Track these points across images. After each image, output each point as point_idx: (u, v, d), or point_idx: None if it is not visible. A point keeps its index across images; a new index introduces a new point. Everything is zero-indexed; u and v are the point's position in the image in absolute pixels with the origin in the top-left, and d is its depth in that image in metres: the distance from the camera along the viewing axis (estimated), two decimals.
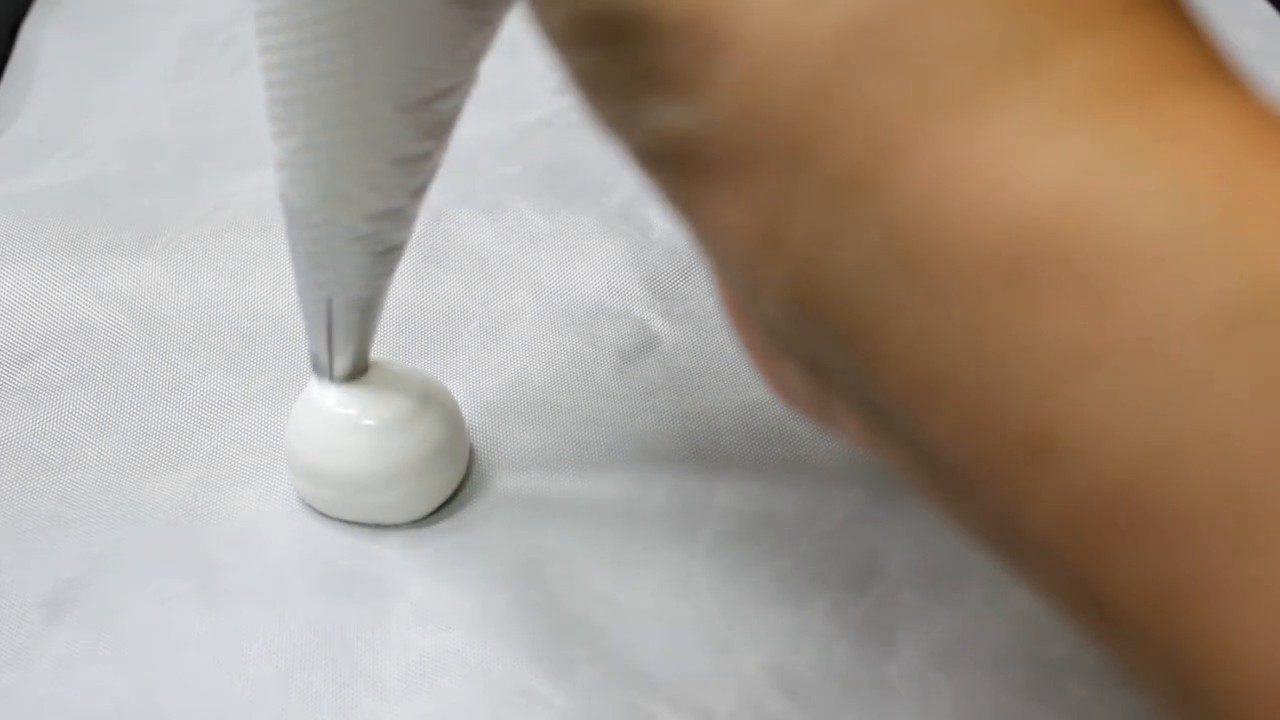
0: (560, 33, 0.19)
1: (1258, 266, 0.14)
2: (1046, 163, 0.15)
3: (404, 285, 0.37)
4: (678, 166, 0.18)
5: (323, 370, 0.30)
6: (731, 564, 0.31)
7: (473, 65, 0.24)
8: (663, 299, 0.37)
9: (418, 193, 0.26)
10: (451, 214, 0.39)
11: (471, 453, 0.33)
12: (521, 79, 0.44)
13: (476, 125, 0.43)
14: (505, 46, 0.47)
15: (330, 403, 0.30)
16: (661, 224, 0.39)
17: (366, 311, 0.28)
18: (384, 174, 0.25)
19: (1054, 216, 0.15)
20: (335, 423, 0.30)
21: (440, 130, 0.25)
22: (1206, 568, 0.15)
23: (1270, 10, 0.49)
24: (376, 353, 0.32)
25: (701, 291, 0.37)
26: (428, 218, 0.39)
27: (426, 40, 0.23)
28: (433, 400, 0.31)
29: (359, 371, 0.30)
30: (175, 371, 0.35)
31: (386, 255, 0.27)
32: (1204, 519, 0.15)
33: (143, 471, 0.32)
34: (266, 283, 0.37)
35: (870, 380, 0.17)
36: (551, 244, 0.38)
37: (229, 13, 0.47)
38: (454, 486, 0.32)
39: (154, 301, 0.36)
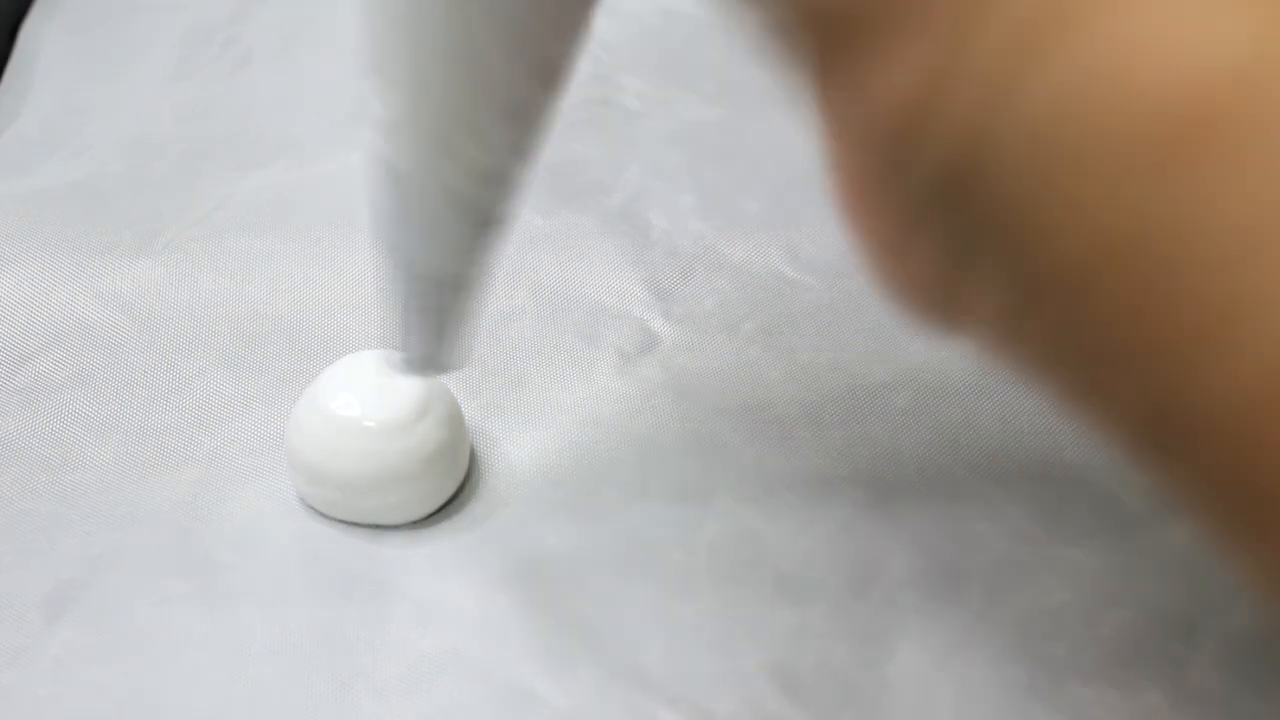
0: None
1: None
2: (1224, 33, 0.15)
3: None
4: (833, 29, 0.17)
5: (416, 363, 0.28)
6: (731, 564, 0.31)
7: (585, 8, 0.23)
8: (663, 299, 0.37)
9: (522, 153, 0.25)
10: None
11: (472, 453, 0.33)
12: None
13: None
14: None
15: (332, 404, 0.30)
16: (661, 224, 0.39)
17: (459, 292, 0.26)
18: (492, 125, 0.24)
19: (1236, 86, 0.15)
20: (336, 423, 0.30)
21: (551, 78, 0.24)
22: None
23: None
24: (376, 354, 0.32)
25: (702, 291, 0.37)
26: None
27: None
28: (433, 401, 0.31)
29: (448, 365, 0.28)
30: (175, 372, 0.35)
31: (486, 228, 0.26)
32: None
33: (142, 472, 0.32)
34: (267, 283, 0.37)
35: (1026, 259, 0.17)
36: (551, 244, 0.38)
37: (229, 13, 0.47)
38: (454, 487, 0.32)
39: (154, 302, 0.36)
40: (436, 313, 0.27)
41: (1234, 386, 0.15)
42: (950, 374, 0.35)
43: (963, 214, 0.17)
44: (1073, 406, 0.19)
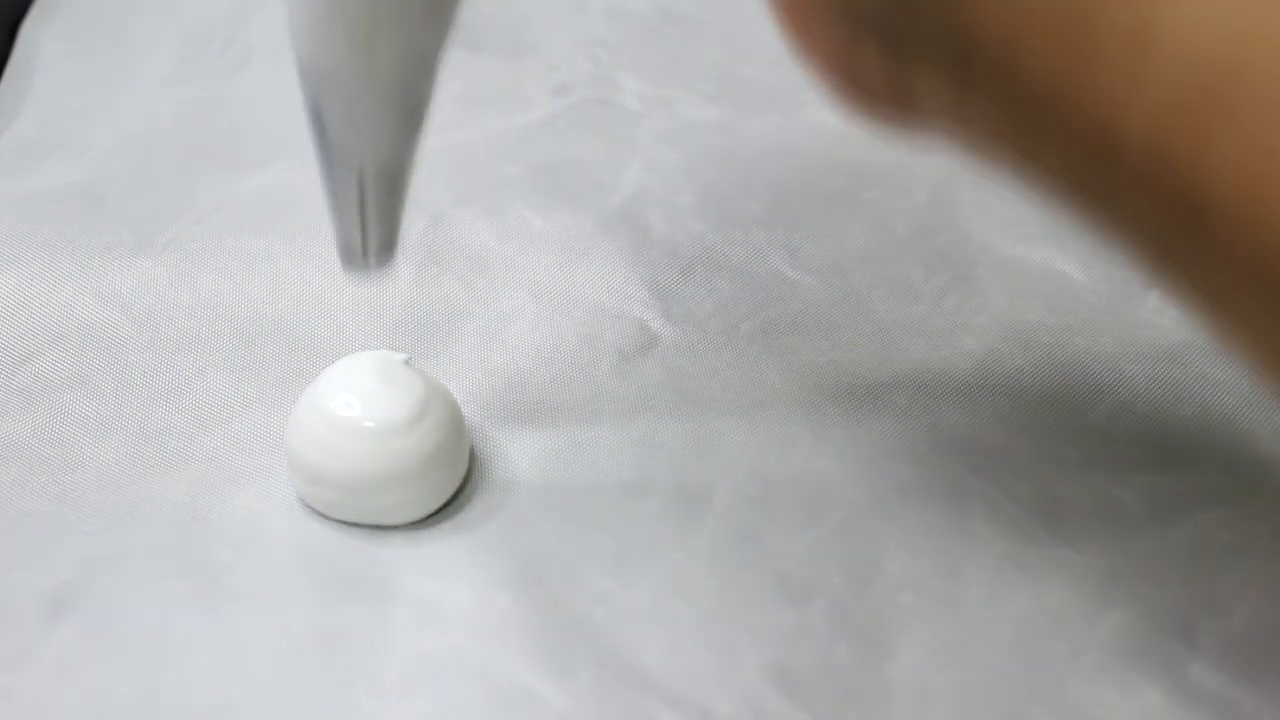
0: None
1: None
2: None
3: (404, 285, 0.37)
4: None
5: (355, 256, 0.28)
6: (731, 564, 0.31)
7: None
8: (662, 299, 0.37)
9: (443, 35, 0.26)
10: (452, 215, 0.39)
11: (472, 454, 0.33)
12: (521, 79, 0.44)
13: (476, 126, 0.43)
14: (506, 47, 0.47)
15: (332, 404, 0.30)
16: (661, 224, 0.39)
17: (397, 180, 0.27)
18: (412, 10, 0.24)
19: None
20: (336, 424, 0.30)
21: None
22: None
23: None
24: (376, 354, 0.32)
25: (702, 292, 0.37)
26: (428, 218, 0.39)
27: None
28: (433, 401, 0.31)
29: (391, 252, 0.29)
30: (175, 372, 0.35)
31: (415, 112, 0.26)
32: None
33: (142, 472, 0.32)
34: (266, 283, 0.37)
35: (968, 24, 0.19)
36: (551, 244, 0.38)
37: (229, 13, 0.47)
38: (454, 487, 0.32)
39: (153, 302, 0.36)
40: (373, 203, 0.27)
41: (1152, 106, 0.17)
42: (950, 374, 0.35)
43: (906, 8, 0.19)
44: (1018, 169, 0.20)
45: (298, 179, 0.41)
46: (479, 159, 0.41)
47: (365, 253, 0.28)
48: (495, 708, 0.28)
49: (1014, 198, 0.40)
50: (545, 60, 0.45)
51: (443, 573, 0.30)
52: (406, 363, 0.32)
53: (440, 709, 0.28)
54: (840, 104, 0.23)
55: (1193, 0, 0.17)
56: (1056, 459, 0.33)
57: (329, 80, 0.25)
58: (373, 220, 0.28)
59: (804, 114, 0.42)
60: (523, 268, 0.37)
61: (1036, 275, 0.37)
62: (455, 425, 0.31)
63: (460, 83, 0.44)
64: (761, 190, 0.40)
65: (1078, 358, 0.35)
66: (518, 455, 0.33)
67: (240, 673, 0.28)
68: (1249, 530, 0.31)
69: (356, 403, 0.30)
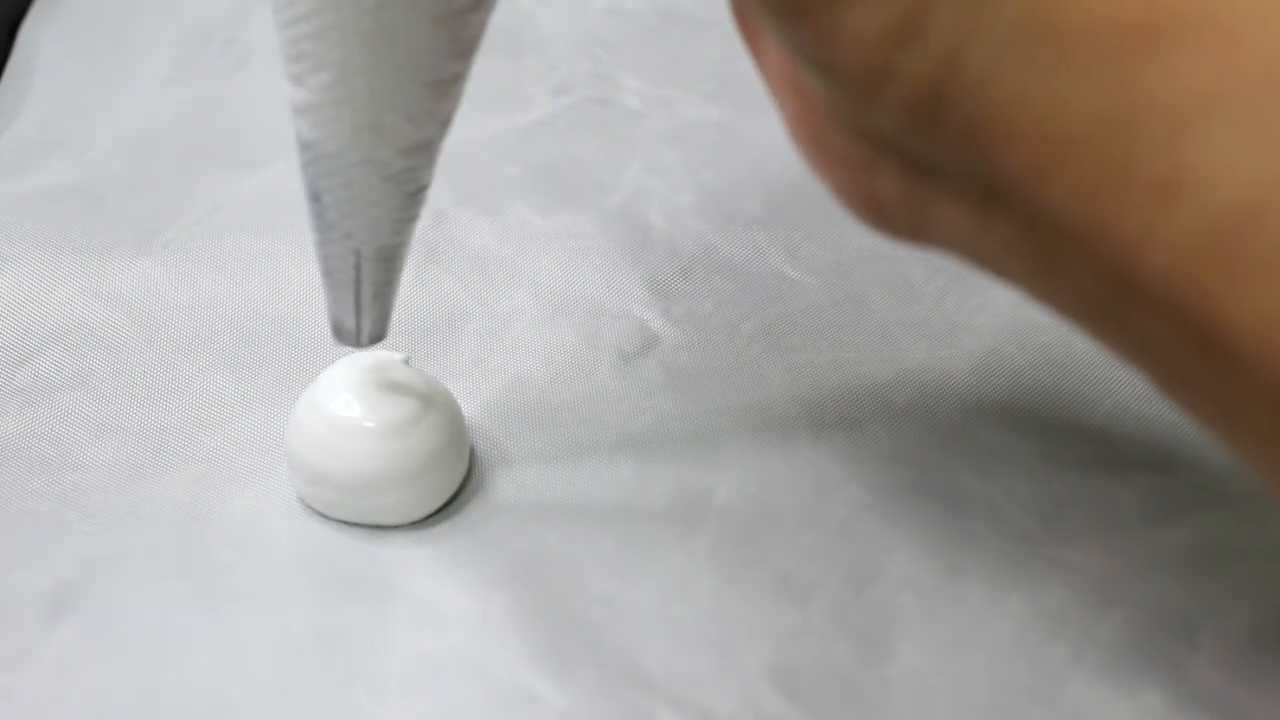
0: None
1: None
2: None
3: (403, 286, 0.37)
4: None
5: (348, 336, 0.29)
6: (731, 564, 0.31)
7: None
8: (663, 299, 0.37)
9: (446, 123, 0.26)
10: (451, 214, 0.39)
11: (472, 454, 0.33)
12: (521, 79, 0.44)
13: (476, 125, 0.43)
14: (505, 47, 0.47)
15: (332, 404, 0.30)
16: (661, 224, 0.39)
17: (394, 262, 0.28)
18: (418, 99, 0.25)
19: None
20: (336, 424, 0.30)
21: (469, 48, 0.25)
22: None
23: None
24: (376, 354, 0.32)
25: (702, 291, 0.37)
26: (428, 218, 0.39)
27: None
28: (433, 402, 0.31)
29: (383, 334, 0.29)
30: (175, 372, 0.35)
31: (416, 196, 0.27)
32: None
33: (142, 472, 0.32)
34: (266, 283, 0.37)
35: (994, 161, 0.19)
36: (551, 244, 0.38)
37: (229, 13, 0.47)
38: (455, 488, 0.32)
39: (153, 302, 0.36)
40: (370, 284, 0.28)
41: (1175, 247, 0.18)
42: (950, 374, 0.35)
43: (931, 132, 0.19)
44: (1034, 293, 0.21)
45: (297, 179, 0.40)
46: (479, 158, 0.41)
47: (358, 331, 0.28)
48: (495, 708, 0.28)
49: None
50: (545, 60, 0.45)
51: (443, 573, 0.30)
52: (406, 363, 0.32)
53: (440, 709, 0.28)
54: (851, 213, 0.23)
55: (1221, 148, 0.17)
56: (1056, 459, 0.33)
57: (331, 163, 0.26)
58: (367, 300, 0.28)
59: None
60: (522, 268, 0.38)
61: None
62: (455, 425, 0.31)
63: None
64: (761, 190, 0.40)
65: (1078, 358, 0.35)
66: (518, 455, 0.33)
67: (240, 673, 0.28)
68: (1249, 530, 0.31)
69: (356, 403, 0.30)
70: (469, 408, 0.33)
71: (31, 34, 0.46)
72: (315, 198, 0.27)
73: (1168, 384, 0.20)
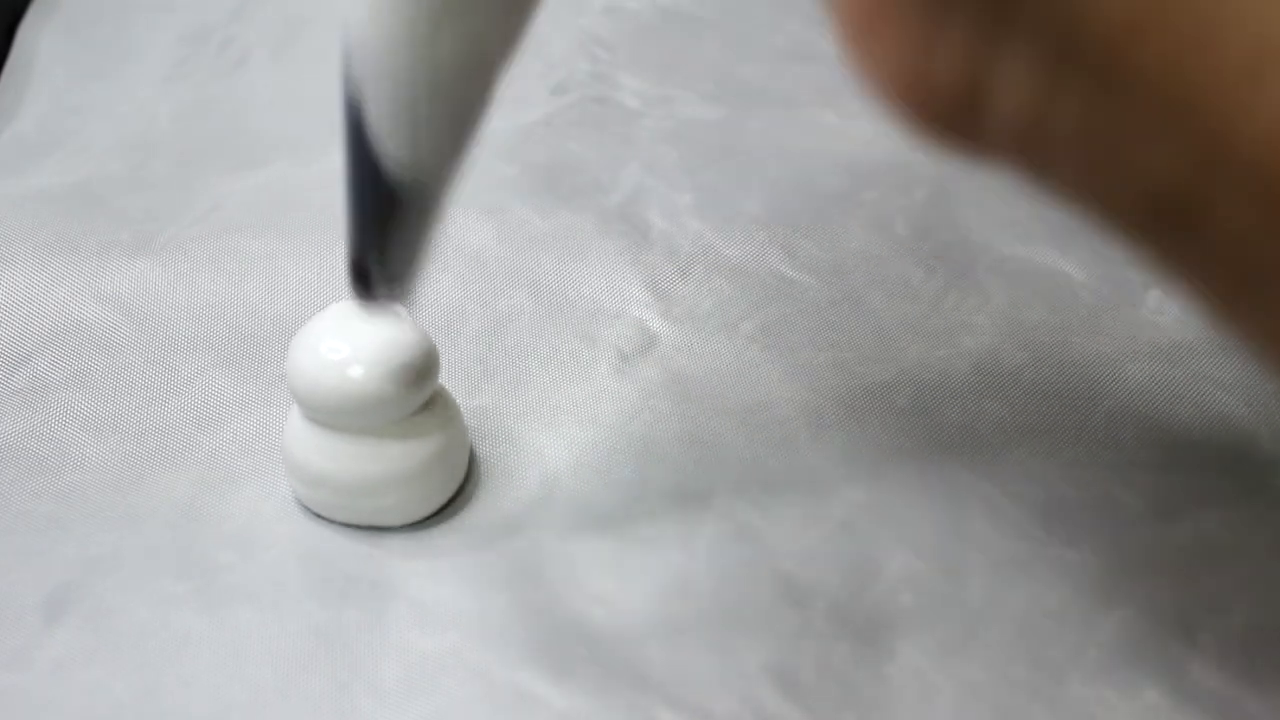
0: None
1: None
2: None
3: None
4: None
5: (365, 279, 0.25)
6: (731, 564, 0.30)
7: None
8: (662, 299, 0.37)
9: (508, 42, 0.23)
10: (451, 214, 0.39)
11: (471, 454, 0.33)
12: (521, 79, 0.44)
13: None
14: None
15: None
16: (660, 223, 0.39)
17: (430, 201, 0.24)
18: (485, 3, 0.22)
19: None
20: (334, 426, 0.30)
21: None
22: None
23: None
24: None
25: (700, 291, 0.37)
26: None
27: None
28: (432, 402, 0.31)
29: (405, 285, 0.25)
30: (173, 372, 0.35)
31: (464, 124, 0.24)
32: None
33: (141, 473, 0.32)
34: (264, 283, 0.37)
35: (1068, 21, 0.17)
36: (550, 244, 0.38)
37: (226, 13, 0.47)
38: (454, 489, 0.32)
39: (151, 302, 0.36)
40: (399, 220, 0.25)
41: (1268, 128, 0.16)
42: (950, 374, 0.35)
43: None
44: (1091, 191, 0.19)
45: (295, 179, 0.41)
46: (478, 158, 0.41)
47: (378, 277, 0.25)
48: (494, 708, 0.28)
49: (1014, 197, 0.40)
50: (544, 59, 0.45)
51: (442, 573, 0.30)
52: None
53: (439, 709, 0.28)
54: (899, 109, 0.21)
55: None
56: (1056, 459, 0.33)
57: (378, 62, 0.22)
58: (394, 242, 0.25)
59: (804, 114, 0.42)
60: (522, 267, 0.37)
61: (1036, 275, 0.37)
62: (454, 426, 0.31)
63: None
64: (761, 190, 0.40)
65: (1078, 357, 0.35)
66: (517, 456, 0.33)
67: (239, 673, 0.28)
68: (1249, 530, 0.31)
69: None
70: (469, 408, 0.33)
71: (30, 34, 0.46)
72: (352, 107, 0.23)
73: (1237, 292, 0.18)
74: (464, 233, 0.38)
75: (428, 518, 0.31)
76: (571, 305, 0.37)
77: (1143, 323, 0.36)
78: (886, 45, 0.20)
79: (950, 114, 0.20)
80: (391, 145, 0.23)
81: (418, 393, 0.30)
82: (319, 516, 0.31)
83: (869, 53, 0.20)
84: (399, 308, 0.29)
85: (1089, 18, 0.17)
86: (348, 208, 0.25)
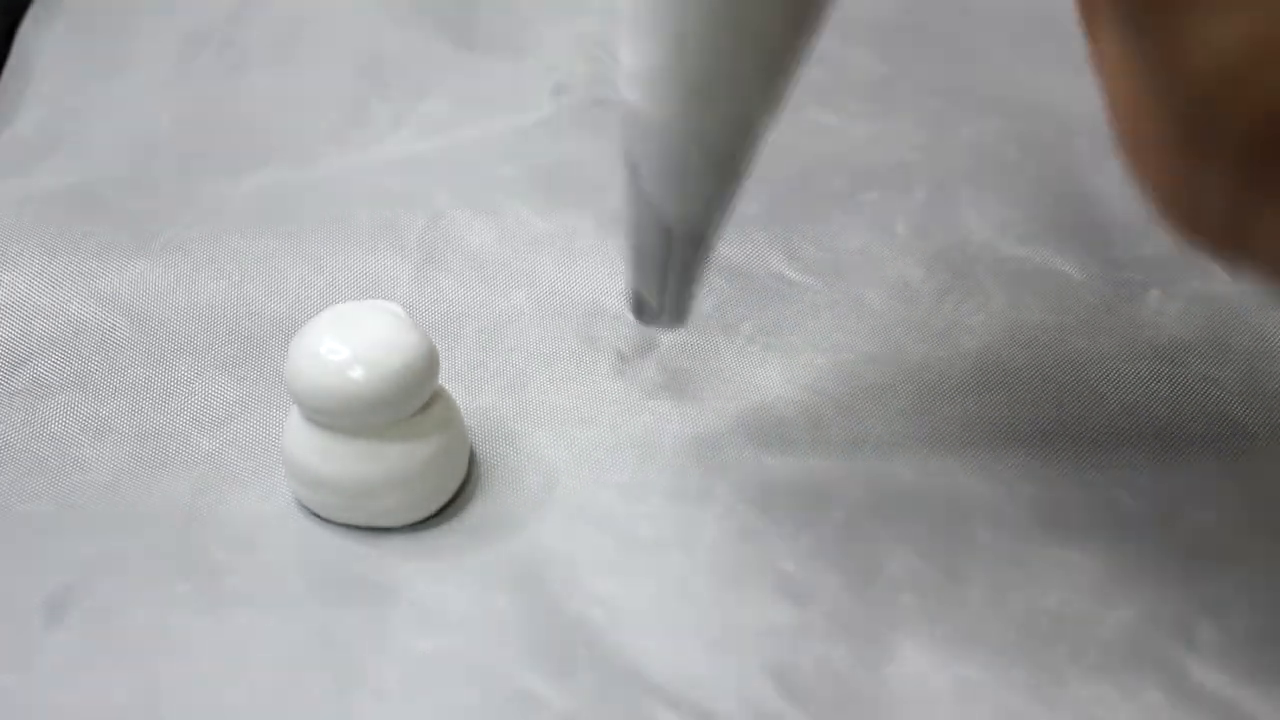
0: None
1: None
2: None
3: (403, 286, 0.37)
4: None
5: (650, 315, 0.29)
6: (731, 564, 0.30)
7: None
8: None
9: (773, 105, 0.25)
10: (450, 215, 0.39)
11: (471, 455, 0.33)
12: (521, 79, 0.45)
13: (475, 126, 0.43)
14: (504, 47, 0.47)
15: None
16: None
17: (702, 245, 0.27)
18: (752, 72, 0.24)
19: None
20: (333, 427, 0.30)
21: (812, 24, 0.24)
22: None
23: None
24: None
25: (701, 292, 0.37)
26: (426, 218, 0.39)
27: None
28: (433, 403, 0.31)
29: (683, 319, 0.29)
30: (173, 374, 0.35)
31: (732, 179, 0.26)
32: None
33: (141, 474, 0.32)
34: (265, 285, 0.37)
35: None
36: (550, 245, 0.38)
37: (227, 14, 0.47)
38: (454, 489, 0.32)
39: (152, 304, 0.36)
40: (677, 264, 0.28)
41: None
42: (950, 374, 0.35)
43: (1272, 159, 0.18)
44: None
45: (295, 180, 0.41)
46: (478, 159, 0.41)
47: (660, 312, 0.29)
48: (495, 709, 0.28)
49: (1014, 197, 0.40)
50: (544, 60, 0.45)
51: (443, 574, 0.30)
52: None
53: (440, 710, 0.28)
54: (1167, 228, 0.22)
55: None
56: (1056, 459, 0.33)
57: (654, 132, 0.25)
58: (673, 282, 0.28)
59: (804, 114, 0.42)
60: (522, 268, 0.37)
61: (1036, 275, 0.37)
62: (455, 426, 0.31)
63: (459, 83, 0.44)
64: (761, 191, 0.40)
65: (1077, 357, 0.35)
66: (517, 456, 0.33)
67: (240, 674, 0.28)
68: (1249, 530, 0.31)
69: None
70: (468, 410, 0.33)
71: (30, 34, 0.46)
72: (631, 169, 0.26)
73: None
74: (463, 233, 0.38)
75: (428, 518, 0.31)
76: (572, 306, 0.37)
77: (1143, 322, 0.36)
78: (1156, 171, 0.21)
79: (1213, 237, 0.21)
80: (662, 200, 0.26)
81: (418, 394, 0.30)
82: (319, 517, 0.31)
83: (1138, 167, 0.21)
84: (397, 307, 0.31)
85: None
86: (626, 246, 0.28)
